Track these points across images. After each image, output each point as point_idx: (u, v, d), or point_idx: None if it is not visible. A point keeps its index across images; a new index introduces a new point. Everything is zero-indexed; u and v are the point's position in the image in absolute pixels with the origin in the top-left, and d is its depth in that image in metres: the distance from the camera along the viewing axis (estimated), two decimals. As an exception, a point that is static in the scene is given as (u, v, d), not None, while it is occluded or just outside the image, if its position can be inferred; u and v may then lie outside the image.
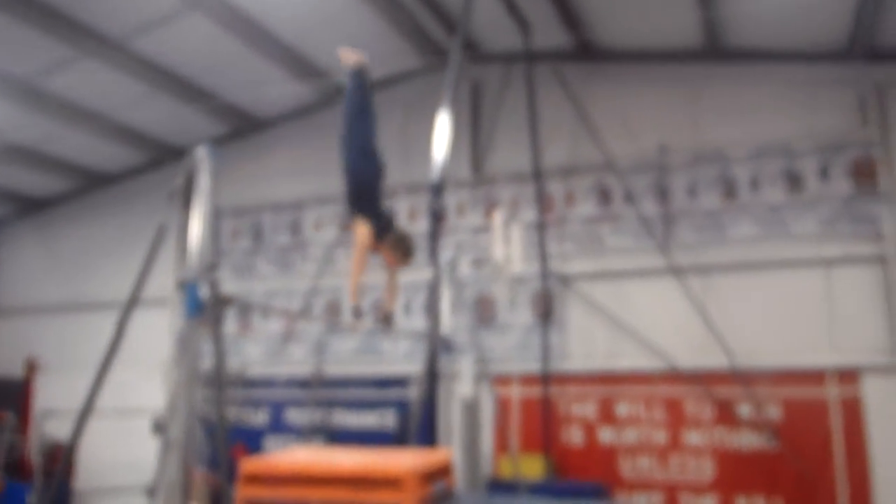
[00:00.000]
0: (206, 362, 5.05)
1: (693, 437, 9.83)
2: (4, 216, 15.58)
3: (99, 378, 5.12)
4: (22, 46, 10.02)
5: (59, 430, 12.68)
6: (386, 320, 6.63)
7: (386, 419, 11.43)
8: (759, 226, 9.93)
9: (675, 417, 9.96)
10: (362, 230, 5.74)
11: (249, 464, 6.98)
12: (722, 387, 9.75)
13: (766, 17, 9.31)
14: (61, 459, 12.39)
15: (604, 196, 10.85)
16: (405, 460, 6.87)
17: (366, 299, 10.69)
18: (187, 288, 4.48)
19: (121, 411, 10.53)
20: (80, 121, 11.96)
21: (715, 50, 10.26)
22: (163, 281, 7.25)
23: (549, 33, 10.48)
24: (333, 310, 12.19)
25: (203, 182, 4.66)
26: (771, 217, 9.89)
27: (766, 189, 9.97)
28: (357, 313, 6.32)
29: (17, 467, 13.31)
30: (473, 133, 11.81)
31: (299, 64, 11.31)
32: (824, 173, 9.71)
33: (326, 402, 11.67)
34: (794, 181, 9.86)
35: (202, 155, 4.70)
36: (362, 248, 5.72)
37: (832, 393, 9.31)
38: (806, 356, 9.45)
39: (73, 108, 11.68)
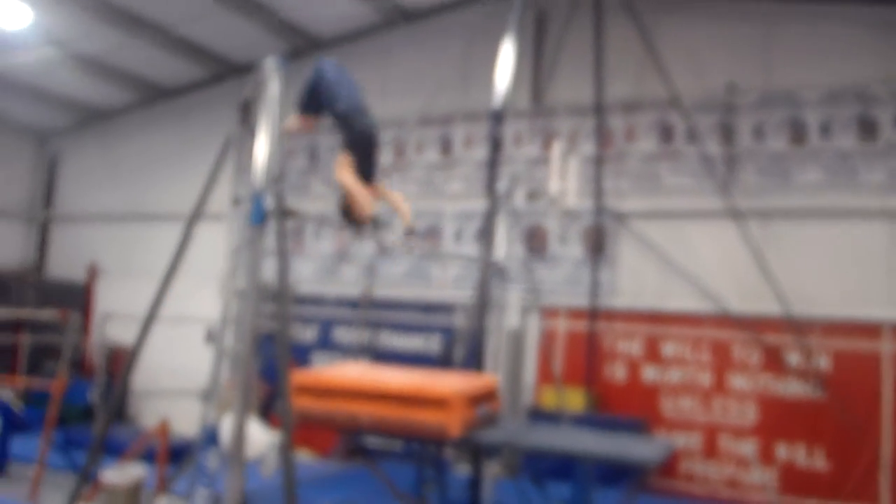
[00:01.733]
0: (264, 275, 5.16)
1: (738, 382, 9.78)
2: (69, 126, 15.90)
3: (164, 286, 5.30)
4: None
5: (117, 332, 13.21)
6: (410, 233, 6.70)
7: (431, 343, 11.61)
8: (827, 173, 9.62)
9: (722, 361, 9.91)
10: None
11: (301, 376, 7.21)
12: (772, 334, 9.64)
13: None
14: (121, 360, 12.97)
15: (665, 133, 10.60)
16: (452, 382, 7.02)
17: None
18: (253, 197, 4.56)
19: (177, 319, 10.86)
20: (144, 33, 12.01)
21: (793, -15, 9.82)
22: (218, 196, 7.37)
23: (622, -39, 10.12)
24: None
25: (272, 92, 4.69)
26: (840, 164, 9.57)
27: (837, 135, 9.61)
28: (409, 231, 6.47)
29: (80, 365, 13.98)
30: (535, 62, 11.56)
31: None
32: (900, 121, 9.32)
33: (374, 323, 11.90)
34: (867, 128, 9.48)
35: (272, 66, 4.72)
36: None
37: (886, 347, 9.14)
38: (863, 308, 9.25)
39: (138, 19, 11.72)
